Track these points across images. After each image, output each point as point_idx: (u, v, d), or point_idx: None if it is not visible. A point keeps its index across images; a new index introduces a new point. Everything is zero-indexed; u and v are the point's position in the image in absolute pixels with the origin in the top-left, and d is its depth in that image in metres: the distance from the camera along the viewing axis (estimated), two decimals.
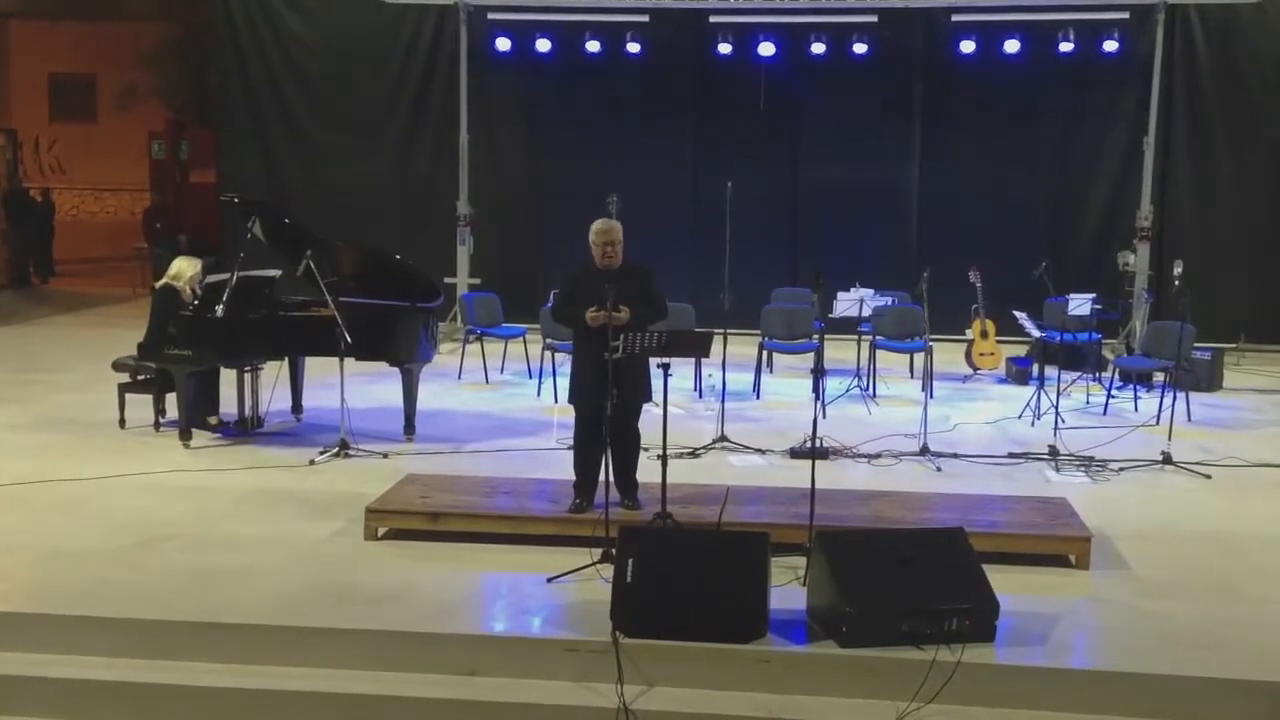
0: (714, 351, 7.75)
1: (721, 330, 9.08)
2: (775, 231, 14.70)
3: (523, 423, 9.98)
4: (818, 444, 7.31)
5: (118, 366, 9.73)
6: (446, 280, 13.21)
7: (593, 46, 14.17)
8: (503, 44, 14.46)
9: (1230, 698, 5.29)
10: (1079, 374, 11.42)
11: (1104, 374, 11.57)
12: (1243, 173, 14.06)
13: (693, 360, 10.85)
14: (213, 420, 9.49)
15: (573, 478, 7.17)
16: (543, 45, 14.34)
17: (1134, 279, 13.18)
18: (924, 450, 8.87)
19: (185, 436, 9.00)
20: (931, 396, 9.84)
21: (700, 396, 10.90)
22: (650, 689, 5.41)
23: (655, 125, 14.71)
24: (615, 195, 11.64)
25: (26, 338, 14.41)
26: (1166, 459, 8.71)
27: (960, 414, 10.39)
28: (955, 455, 8.90)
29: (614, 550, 5.97)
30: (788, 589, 6.09)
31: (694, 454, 8.86)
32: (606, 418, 6.66)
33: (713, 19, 14.18)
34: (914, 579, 5.66)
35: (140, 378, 9.56)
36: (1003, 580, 5.88)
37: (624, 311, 6.75)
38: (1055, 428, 9.08)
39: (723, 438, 9.14)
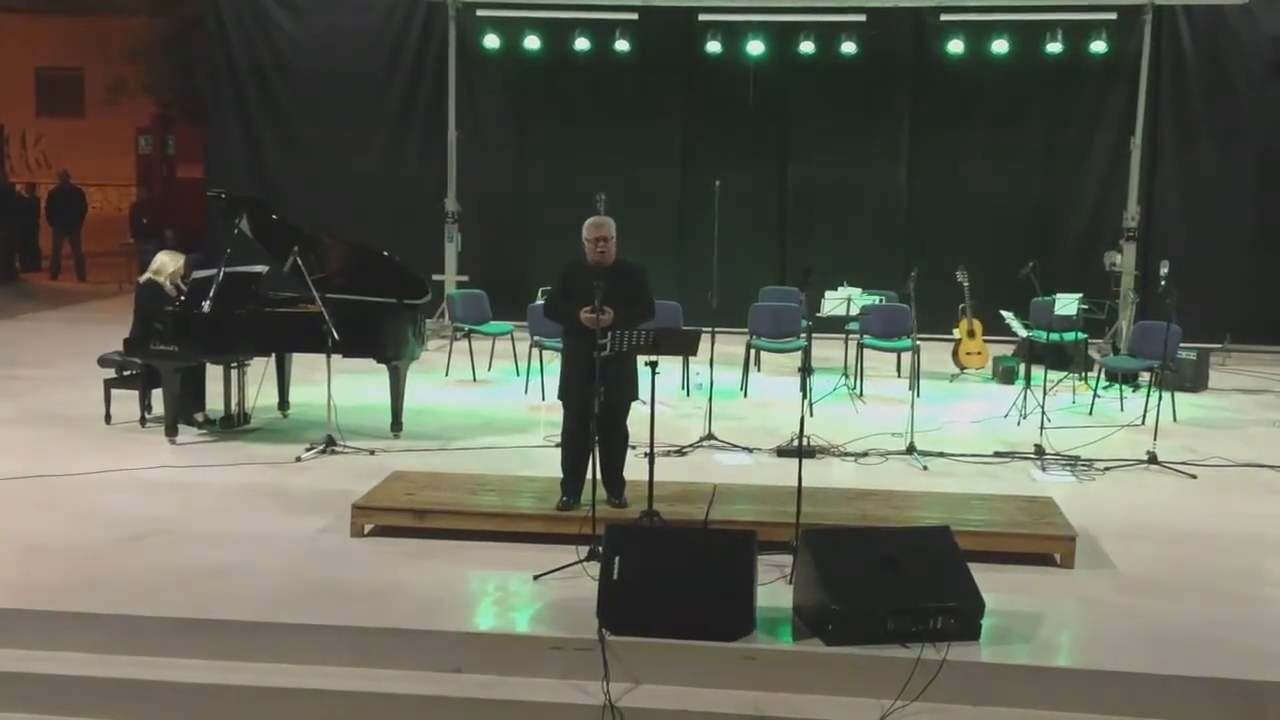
0: (702, 350, 7.75)
1: (709, 329, 9.08)
2: (763, 230, 14.73)
3: (510, 420, 9.98)
4: (805, 442, 7.31)
5: (104, 362, 9.71)
6: (434, 277, 13.16)
7: (581, 44, 14.17)
8: (491, 41, 14.46)
9: (1214, 697, 5.32)
10: (1065, 373, 11.46)
11: (1090, 374, 11.60)
12: (1229, 173, 14.12)
13: (680, 358, 10.84)
14: (199, 416, 9.47)
15: (560, 475, 7.17)
16: (531, 42, 14.34)
17: (1120, 279, 13.23)
18: (910, 449, 8.88)
19: (171, 432, 8.98)
20: (918, 395, 9.86)
21: (688, 395, 10.91)
22: (636, 686, 5.42)
23: (644, 123, 14.71)
24: (602, 193, 11.67)
25: (11, 333, 14.35)
26: (1152, 459, 8.74)
27: (947, 413, 10.42)
28: (941, 454, 8.92)
29: (601, 548, 5.98)
30: (774, 587, 6.09)
31: (681, 452, 8.86)
32: (595, 415, 6.67)
33: (702, 17, 14.17)
34: (900, 577, 5.68)
35: (126, 373, 9.54)
36: (988, 579, 5.89)
37: (608, 313, 6.75)
38: (1041, 427, 9.11)
39: (710, 436, 9.15)
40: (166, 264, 9.50)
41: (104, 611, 5.81)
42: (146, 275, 9.54)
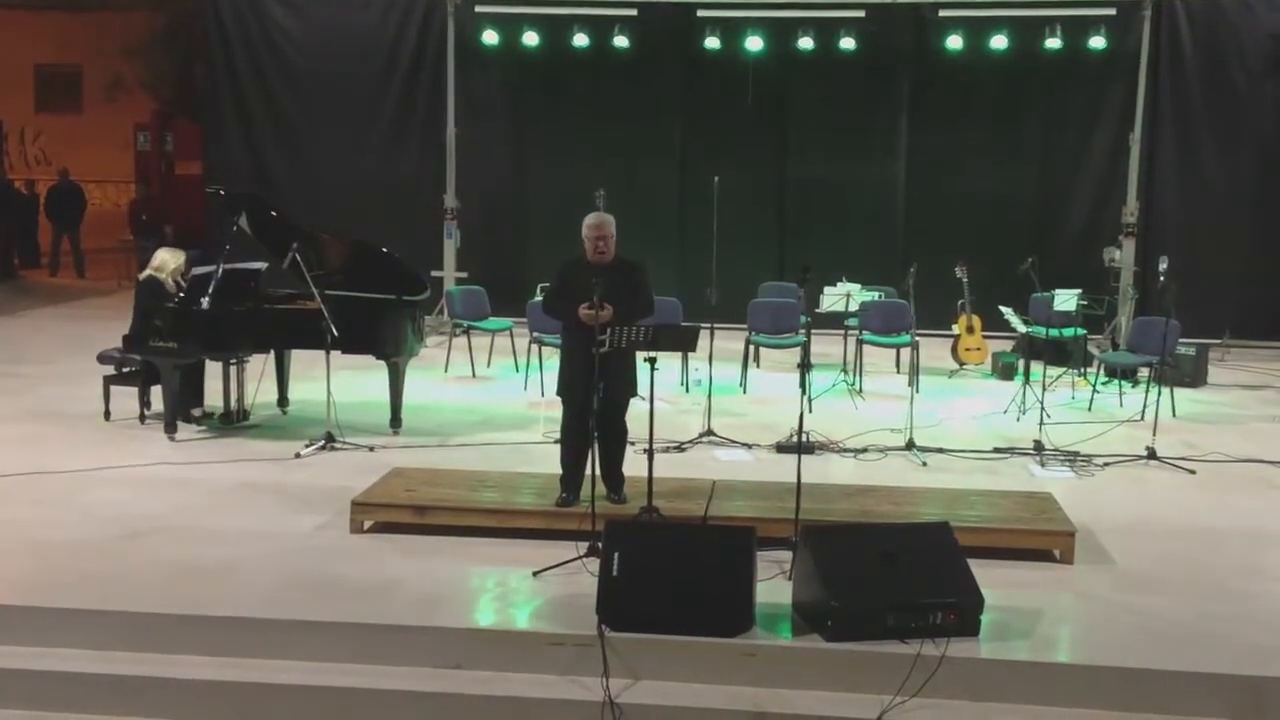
0: (701, 346, 7.75)
1: (709, 325, 9.09)
2: (762, 226, 14.71)
3: (509, 416, 9.98)
4: (804, 438, 7.31)
5: (103, 359, 9.71)
6: (433, 274, 13.19)
7: (580, 40, 14.15)
8: (490, 37, 14.45)
9: (1212, 692, 5.32)
10: (1064, 369, 11.45)
11: (1089, 369, 11.60)
12: (1228, 169, 14.12)
13: (679, 354, 10.85)
14: (197, 413, 9.47)
15: (559, 471, 7.17)
16: (530, 39, 14.32)
17: (1119, 275, 13.24)
18: (910, 445, 8.88)
19: (170, 429, 8.98)
20: (918, 391, 9.85)
21: (687, 391, 10.91)
22: (636, 682, 5.43)
23: (642, 119, 14.70)
24: (602, 189, 11.66)
25: (10, 330, 14.34)
26: (1151, 454, 8.75)
27: (946, 409, 10.42)
28: (941, 450, 8.92)
29: (600, 544, 5.98)
30: (773, 583, 6.09)
31: (680, 448, 8.86)
32: (594, 411, 6.66)
33: (700, 13, 14.17)
34: (899, 573, 5.68)
35: (125, 370, 9.53)
36: (987, 574, 5.90)
37: (607, 309, 6.74)
38: (1040, 423, 9.11)
39: (709, 432, 9.15)
40: (168, 261, 9.50)
41: (103, 608, 5.81)
42: (147, 272, 9.54)
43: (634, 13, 14.09)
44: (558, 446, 7.35)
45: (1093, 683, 5.38)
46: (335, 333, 8.58)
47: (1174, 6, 13.91)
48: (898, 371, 11.86)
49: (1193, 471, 8.59)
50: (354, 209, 13.98)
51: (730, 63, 14.32)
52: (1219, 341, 13.02)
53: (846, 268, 12.03)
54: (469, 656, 5.58)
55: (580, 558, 6.33)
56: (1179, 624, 5.87)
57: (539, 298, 9.67)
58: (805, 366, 7.39)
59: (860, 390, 11.07)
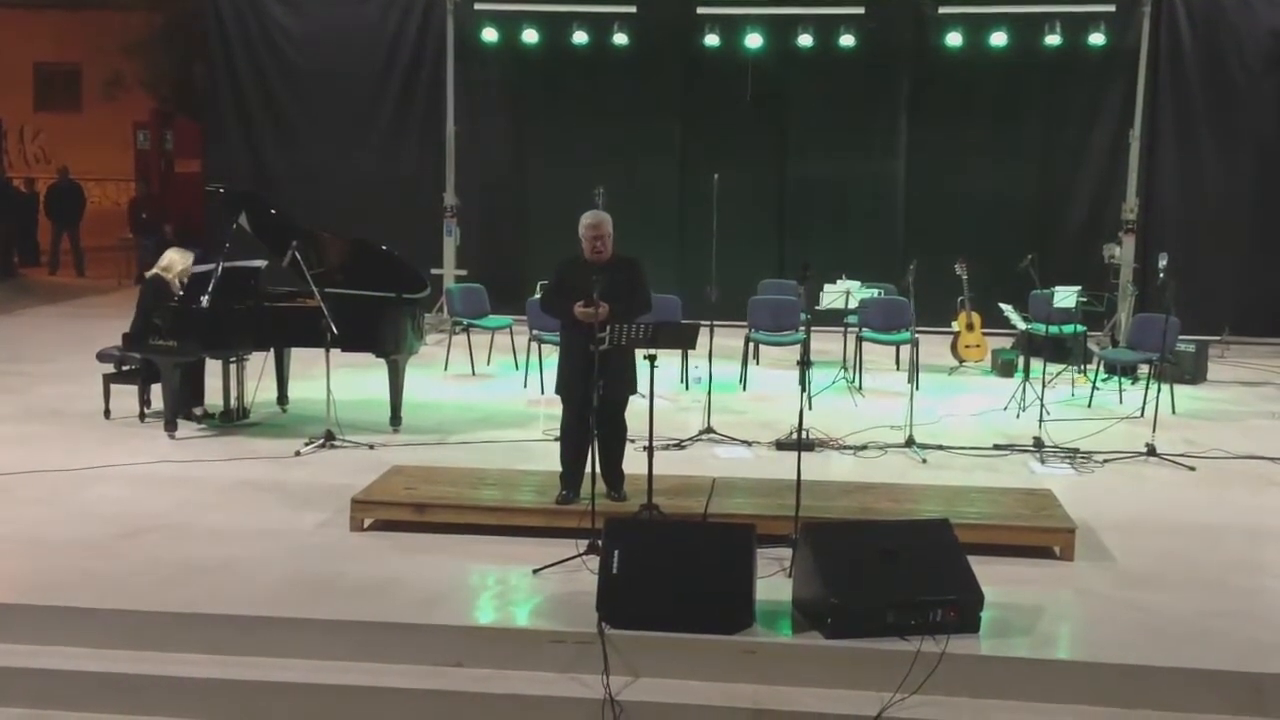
0: (700, 343, 7.75)
1: (708, 322, 9.08)
2: (762, 223, 14.73)
3: (509, 414, 9.98)
4: (804, 436, 7.31)
5: (103, 357, 9.71)
6: (433, 271, 13.19)
7: (580, 38, 14.15)
8: (489, 35, 14.45)
9: (1212, 688, 5.31)
10: (1064, 366, 11.46)
11: (1089, 366, 11.60)
12: (1227, 165, 14.14)
13: (679, 351, 10.85)
14: (198, 411, 9.47)
15: (559, 469, 7.17)
16: (530, 36, 14.33)
17: (1119, 271, 13.24)
18: (909, 442, 8.88)
19: (170, 427, 8.98)
20: (917, 388, 9.85)
21: (687, 388, 10.91)
22: (636, 680, 5.42)
23: (642, 117, 14.71)
24: (601, 187, 11.66)
25: (10, 328, 14.35)
26: (1151, 451, 8.75)
27: (946, 406, 10.42)
28: (941, 447, 8.92)
29: (600, 542, 5.97)
30: (773, 580, 6.09)
31: (680, 445, 8.86)
32: (593, 409, 6.66)
33: (700, 10, 14.21)
34: (899, 570, 5.68)
35: (125, 368, 9.53)
36: (987, 571, 5.89)
37: (604, 307, 6.73)
38: (1040, 420, 9.11)
39: (709, 429, 9.15)
40: (175, 261, 9.49)
41: (103, 606, 5.81)
42: (154, 271, 9.53)
43: (633, 9, 14.09)
44: (557, 444, 7.35)
45: (1093, 679, 5.38)
46: (335, 331, 8.58)
47: (1174, 3, 13.93)
48: (897, 369, 11.85)
49: (1192, 468, 8.59)
50: (354, 207, 13.98)
51: (730, 60, 14.32)
52: (1218, 338, 13.02)
53: (846, 265, 12.04)
54: (469, 654, 5.58)
55: (580, 555, 6.33)
56: (1179, 621, 5.87)
57: (538, 295, 9.67)
58: (805, 364, 7.38)
59: (860, 387, 11.07)
